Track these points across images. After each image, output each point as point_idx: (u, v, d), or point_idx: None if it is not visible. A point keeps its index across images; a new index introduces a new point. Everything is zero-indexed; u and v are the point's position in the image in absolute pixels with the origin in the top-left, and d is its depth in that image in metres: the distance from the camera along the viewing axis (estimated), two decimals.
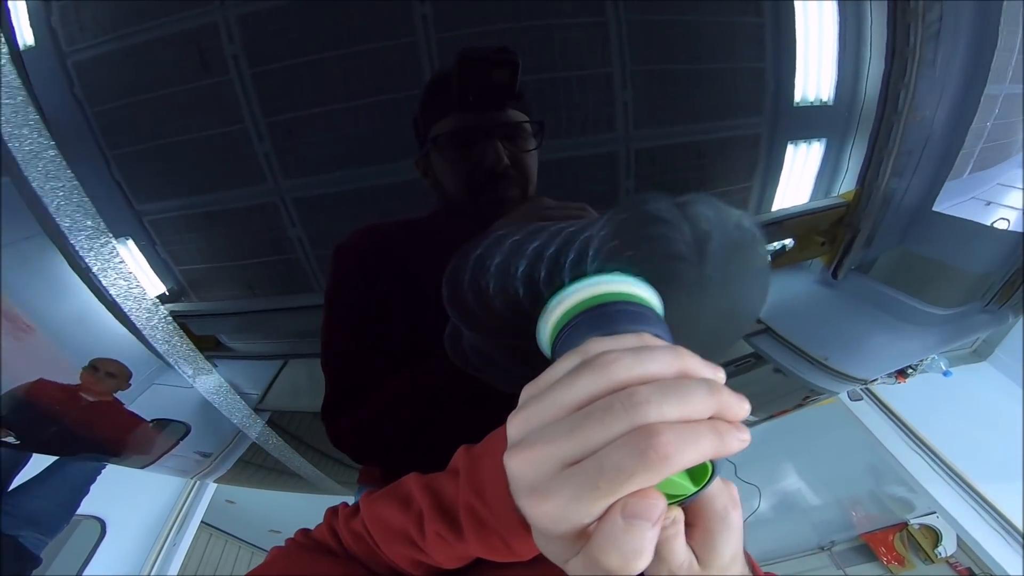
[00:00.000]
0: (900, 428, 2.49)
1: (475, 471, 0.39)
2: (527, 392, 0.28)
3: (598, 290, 0.33)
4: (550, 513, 0.25)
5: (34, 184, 0.50)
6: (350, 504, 0.50)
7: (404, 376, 0.60)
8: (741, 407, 0.26)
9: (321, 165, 0.52)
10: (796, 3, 0.50)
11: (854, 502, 3.77)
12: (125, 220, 0.53)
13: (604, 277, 0.34)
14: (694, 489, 0.27)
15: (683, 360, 0.27)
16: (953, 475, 2.26)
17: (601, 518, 0.24)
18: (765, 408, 0.98)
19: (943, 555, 3.38)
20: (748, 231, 0.40)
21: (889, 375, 2.28)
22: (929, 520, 3.45)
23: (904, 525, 3.60)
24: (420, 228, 0.56)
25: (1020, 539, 2.03)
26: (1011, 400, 2.49)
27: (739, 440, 0.25)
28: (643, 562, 0.24)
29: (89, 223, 0.53)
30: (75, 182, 0.51)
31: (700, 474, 0.27)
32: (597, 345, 0.27)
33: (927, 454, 2.36)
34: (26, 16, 0.49)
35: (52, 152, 0.50)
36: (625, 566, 0.24)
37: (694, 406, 0.24)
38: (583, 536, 0.25)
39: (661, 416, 0.24)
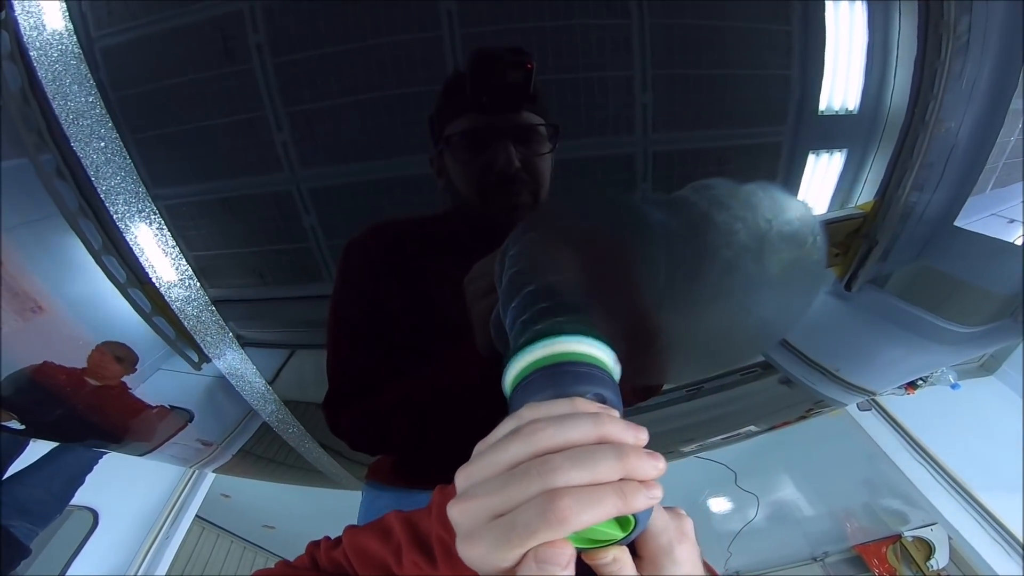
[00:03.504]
0: (905, 439, 2.50)
1: (445, 508, 0.42)
2: (477, 449, 0.32)
3: (552, 350, 0.35)
4: (476, 557, 0.29)
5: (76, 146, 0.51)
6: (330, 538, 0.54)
7: (401, 385, 0.60)
8: (652, 467, 0.29)
9: (338, 156, 0.52)
10: (827, 11, 0.50)
11: (848, 514, 3.77)
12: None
13: (561, 338, 0.36)
14: (621, 535, 0.29)
15: (602, 427, 0.29)
16: (956, 487, 2.27)
17: (520, 562, 0.27)
18: (768, 419, 0.98)
19: (935, 567, 3.37)
20: (809, 223, 0.41)
21: (899, 387, 2.28)
22: (923, 532, 3.45)
23: (898, 537, 3.60)
24: (432, 228, 0.56)
25: (1021, 550, 2.04)
26: (1017, 414, 2.49)
27: (647, 498, 0.28)
28: None
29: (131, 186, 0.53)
30: (119, 143, 0.52)
31: (626, 523, 0.29)
32: (529, 412, 0.31)
33: (931, 465, 2.38)
34: (60, 3, 0.49)
35: (99, 110, 0.50)
36: None
37: (599, 471, 0.28)
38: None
39: (568, 481, 0.27)
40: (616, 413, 0.32)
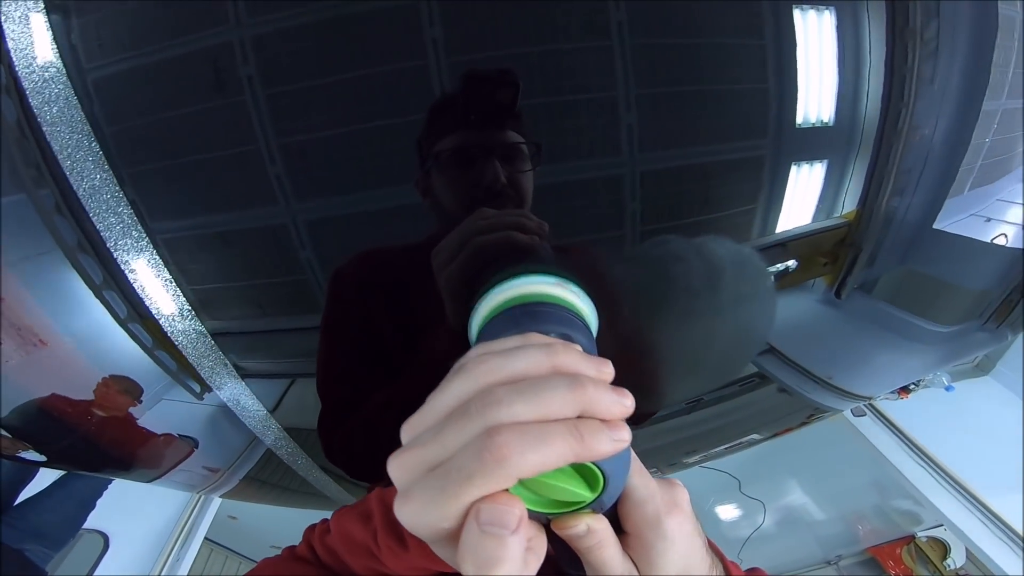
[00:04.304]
0: (904, 443, 2.49)
1: None
2: (427, 400, 0.27)
3: (514, 292, 0.32)
4: (411, 515, 0.24)
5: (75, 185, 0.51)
6: (327, 520, 0.51)
7: (386, 390, 0.60)
8: (615, 401, 0.25)
9: (333, 187, 0.53)
10: (796, 23, 0.51)
11: (859, 516, 3.74)
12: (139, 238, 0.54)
13: (524, 279, 0.33)
14: (591, 495, 0.25)
15: (556, 357, 0.25)
16: (959, 488, 2.26)
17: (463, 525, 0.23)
18: (769, 427, 0.98)
19: (952, 567, 3.34)
20: (756, 265, 0.42)
21: (892, 391, 2.28)
22: (937, 532, 3.42)
23: (911, 538, 3.57)
24: (418, 251, 0.56)
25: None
26: (1014, 413, 2.49)
27: (611, 440, 0.23)
28: (501, 572, 0.22)
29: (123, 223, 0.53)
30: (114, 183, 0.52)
31: (594, 480, 0.25)
32: (476, 349, 0.27)
33: (932, 468, 2.36)
34: (48, 32, 0.50)
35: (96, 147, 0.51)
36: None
37: (550, 405, 0.23)
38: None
39: (512, 416, 0.23)
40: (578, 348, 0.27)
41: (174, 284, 0.55)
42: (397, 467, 0.25)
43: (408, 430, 0.26)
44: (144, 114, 0.52)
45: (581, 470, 0.25)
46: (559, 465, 0.23)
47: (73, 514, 1.87)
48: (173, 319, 0.57)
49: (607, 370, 0.26)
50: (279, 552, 0.54)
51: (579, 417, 0.24)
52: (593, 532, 0.26)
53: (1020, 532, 2.04)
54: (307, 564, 0.50)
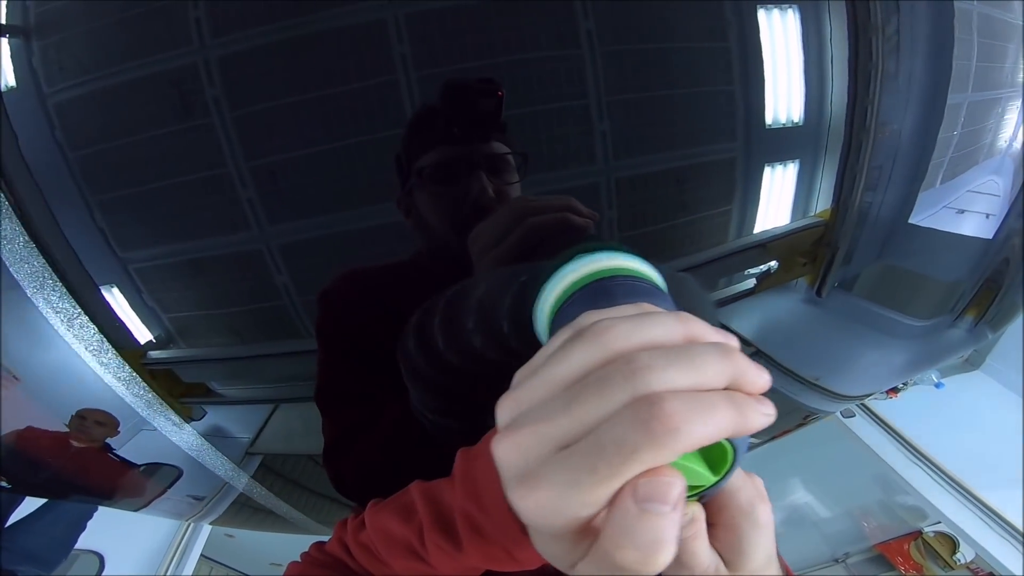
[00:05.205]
0: (898, 441, 2.48)
1: (470, 473, 0.35)
2: (519, 374, 0.24)
3: (597, 266, 0.30)
4: (543, 504, 0.20)
5: None
6: (360, 515, 0.48)
7: (398, 405, 0.58)
8: (761, 376, 0.23)
9: (306, 209, 0.52)
10: (760, 24, 0.51)
11: (864, 513, 3.71)
12: (110, 268, 0.53)
13: (603, 253, 0.31)
14: (715, 478, 0.23)
15: (689, 325, 0.23)
16: (955, 485, 2.25)
17: (611, 507, 0.20)
18: (767, 430, 0.97)
19: (963, 561, 3.31)
20: (690, 288, 0.41)
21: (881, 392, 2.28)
22: (943, 527, 3.40)
23: (918, 533, 3.54)
24: (403, 271, 0.55)
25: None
26: (1007, 407, 2.48)
27: (763, 414, 0.22)
28: (665, 556, 0.19)
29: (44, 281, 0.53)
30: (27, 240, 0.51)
31: (718, 461, 0.23)
32: (592, 316, 0.24)
33: (927, 466, 2.35)
34: (7, 56, 0.49)
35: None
36: (644, 561, 0.19)
37: (705, 373, 0.21)
38: (586, 533, 0.21)
39: (667, 383, 0.20)
40: None
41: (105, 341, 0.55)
42: (512, 450, 0.21)
43: (510, 407, 0.23)
44: (109, 139, 0.51)
45: (706, 451, 0.23)
46: (719, 438, 0.20)
47: (63, 535, 1.86)
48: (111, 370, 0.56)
49: (734, 343, 0.24)
50: (279, 567, 0.51)
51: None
52: (696, 521, 0.24)
53: (1020, 528, 2.03)
54: (340, 567, 0.46)
